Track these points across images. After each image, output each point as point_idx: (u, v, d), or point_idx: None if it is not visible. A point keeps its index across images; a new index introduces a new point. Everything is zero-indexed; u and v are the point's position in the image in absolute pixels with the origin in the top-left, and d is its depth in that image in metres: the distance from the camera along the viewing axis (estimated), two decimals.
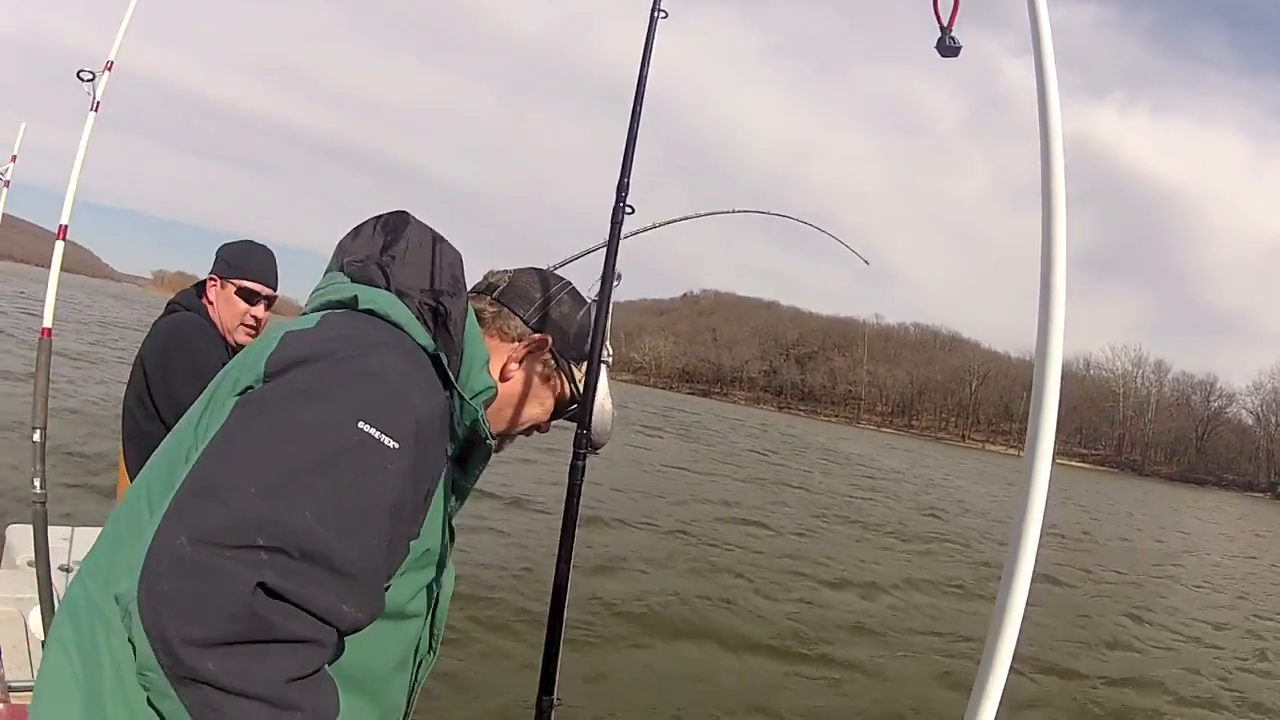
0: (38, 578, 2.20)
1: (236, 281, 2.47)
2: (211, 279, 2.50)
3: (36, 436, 2.15)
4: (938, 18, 0.86)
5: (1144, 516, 29.36)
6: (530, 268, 1.29)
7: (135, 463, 2.46)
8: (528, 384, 1.22)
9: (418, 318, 1.05)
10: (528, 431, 1.28)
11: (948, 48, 0.87)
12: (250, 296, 2.49)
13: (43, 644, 2.28)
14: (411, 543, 0.98)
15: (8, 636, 2.79)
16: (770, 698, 5.52)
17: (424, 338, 1.04)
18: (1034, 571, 0.71)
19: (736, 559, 9.29)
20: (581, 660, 5.37)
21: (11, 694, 2.29)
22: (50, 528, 2.36)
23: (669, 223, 2.52)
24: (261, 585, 0.77)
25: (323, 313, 1.04)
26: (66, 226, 2.29)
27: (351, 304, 1.04)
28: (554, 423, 1.31)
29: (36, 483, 2.16)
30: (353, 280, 1.08)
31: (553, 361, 1.23)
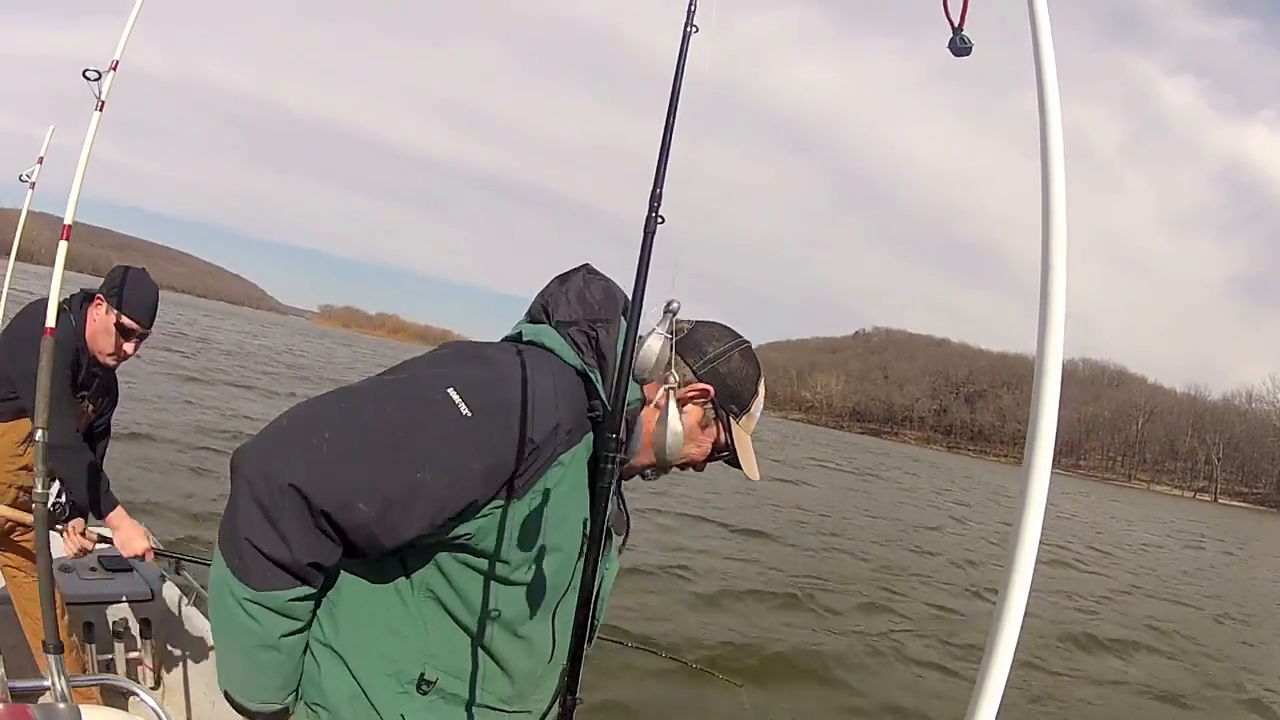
0: (39, 577, 2.20)
1: (120, 314, 2.59)
2: (99, 299, 2.61)
3: (39, 436, 2.15)
4: (948, 17, 0.84)
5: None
6: (713, 322, 1.39)
7: None
8: (687, 425, 1.32)
9: (570, 344, 1.25)
10: (683, 466, 1.38)
11: (959, 48, 0.85)
12: (128, 333, 2.62)
13: (43, 644, 2.29)
14: (478, 513, 1.14)
15: (8, 636, 2.79)
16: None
17: (572, 358, 1.24)
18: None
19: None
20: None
21: (11, 694, 2.29)
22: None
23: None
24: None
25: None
26: (70, 226, 2.30)
27: (518, 338, 1.29)
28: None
29: (38, 483, 2.15)
30: (530, 320, 1.33)
31: (712, 410, 1.34)
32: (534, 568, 1.18)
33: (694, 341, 1.34)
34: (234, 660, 1.15)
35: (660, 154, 1.08)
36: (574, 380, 1.22)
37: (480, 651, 1.21)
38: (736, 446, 1.36)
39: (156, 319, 2.71)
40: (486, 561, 1.17)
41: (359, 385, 1.18)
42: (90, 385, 2.70)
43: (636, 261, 1.04)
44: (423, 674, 1.18)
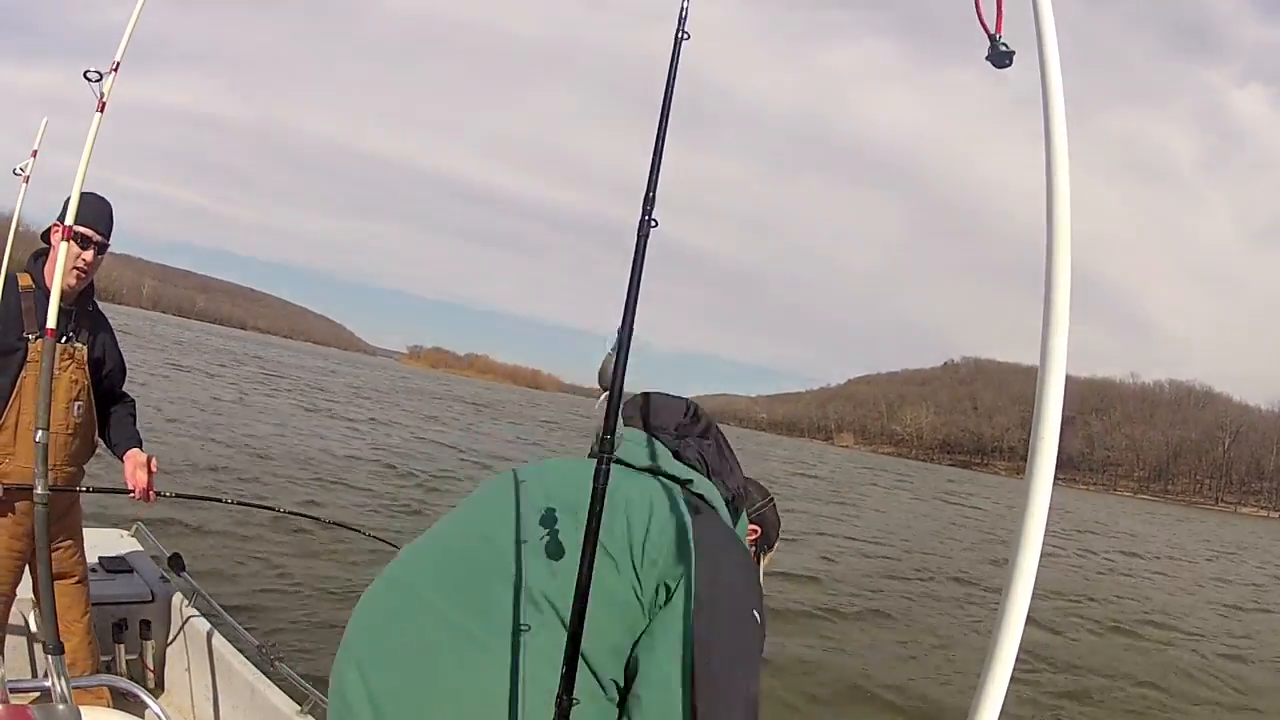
0: (39, 578, 2.20)
1: (73, 226, 2.55)
2: (54, 227, 2.66)
3: (39, 437, 2.15)
4: (983, 25, 0.81)
5: None
6: (753, 480, 1.69)
7: None
8: None
9: (727, 506, 1.39)
10: None
11: (1000, 54, 0.82)
12: (84, 241, 2.64)
13: (43, 644, 2.28)
14: None
15: (8, 637, 2.79)
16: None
17: (727, 519, 1.37)
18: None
19: None
20: None
21: (11, 694, 2.29)
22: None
23: None
24: None
25: (682, 493, 1.32)
26: (71, 228, 2.31)
27: (687, 484, 1.35)
28: None
29: (38, 483, 2.15)
30: (674, 455, 1.38)
31: (754, 547, 1.69)
32: None
33: (748, 493, 1.61)
34: None
35: (654, 155, 1.08)
36: None
37: None
38: (760, 577, 1.61)
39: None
40: None
41: (737, 617, 1.24)
42: (67, 323, 2.66)
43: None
44: None
